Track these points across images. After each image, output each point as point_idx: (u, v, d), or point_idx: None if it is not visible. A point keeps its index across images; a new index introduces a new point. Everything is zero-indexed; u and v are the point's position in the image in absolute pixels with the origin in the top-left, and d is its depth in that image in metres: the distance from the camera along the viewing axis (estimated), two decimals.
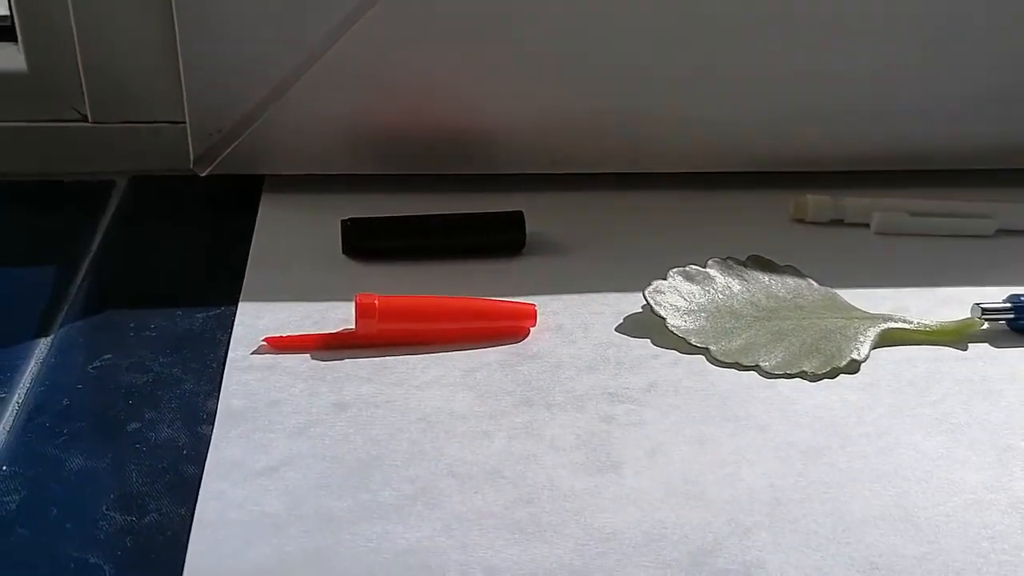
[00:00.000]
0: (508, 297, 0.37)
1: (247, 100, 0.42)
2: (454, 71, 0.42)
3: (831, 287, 0.38)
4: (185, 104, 0.42)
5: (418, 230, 0.40)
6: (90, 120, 0.45)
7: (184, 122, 0.43)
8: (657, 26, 0.42)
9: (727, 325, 0.36)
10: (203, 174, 0.43)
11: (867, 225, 0.44)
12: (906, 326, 0.36)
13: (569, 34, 0.42)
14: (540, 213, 0.42)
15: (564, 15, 0.42)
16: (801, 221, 0.44)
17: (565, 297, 0.38)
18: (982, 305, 0.36)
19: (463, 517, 0.28)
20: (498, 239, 0.40)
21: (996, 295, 0.37)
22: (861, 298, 0.38)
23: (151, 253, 0.41)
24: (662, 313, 0.36)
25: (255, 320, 0.36)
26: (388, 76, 0.42)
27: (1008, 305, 0.37)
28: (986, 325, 0.37)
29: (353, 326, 0.34)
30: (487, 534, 0.27)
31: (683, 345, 0.35)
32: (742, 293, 0.38)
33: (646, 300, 0.37)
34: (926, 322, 0.36)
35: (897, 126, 0.46)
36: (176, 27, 0.41)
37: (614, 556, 0.27)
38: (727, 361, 0.35)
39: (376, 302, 0.34)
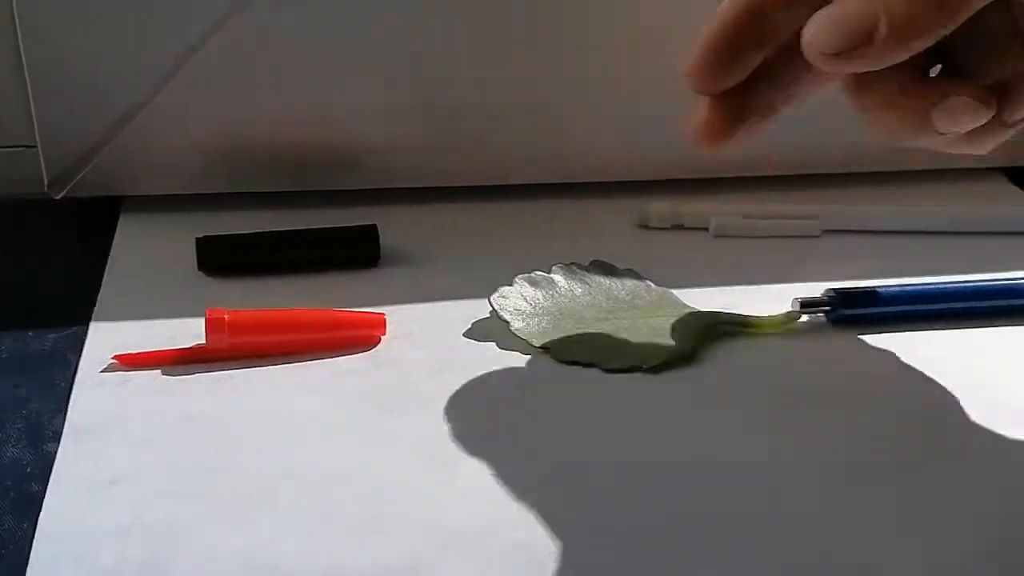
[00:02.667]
0: (363, 308, 0.38)
1: (100, 121, 0.43)
2: (304, 91, 0.44)
3: (670, 287, 0.41)
4: (36, 128, 0.42)
5: (272, 245, 0.41)
6: None
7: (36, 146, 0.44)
8: (504, 45, 0.45)
9: (569, 326, 0.38)
10: (58, 197, 0.44)
11: (707, 229, 0.47)
12: (731, 321, 0.39)
13: (415, 54, 0.44)
14: (395, 226, 0.44)
15: (413, 35, 0.44)
16: (645, 227, 0.47)
17: (417, 306, 0.40)
18: (801, 299, 0.39)
19: (302, 518, 0.29)
20: (352, 252, 0.42)
21: (820, 290, 0.40)
22: (695, 297, 0.41)
23: (4, 278, 0.41)
24: (506, 317, 0.38)
25: (107, 339, 0.36)
26: (240, 95, 0.43)
27: (825, 298, 0.40)
28: (806, 317, 0.40)
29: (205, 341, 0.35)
30: (325, 532, 0.28)
31: (526, 347, 0.37)
32: (584, 296, 0.40)
33: (491, 306, 0.38)
34: (751, 316, 0.39)
35: None
36: (22, 50, 0.41)
37: (454, 547, 0.28)
38: (568, 360, 0.37)
39: (226, 316, 0.35)
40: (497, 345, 0.37)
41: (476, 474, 0.31)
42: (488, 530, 0.29)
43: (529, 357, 0.37)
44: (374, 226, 0.42)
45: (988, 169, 0.53)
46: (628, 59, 0.46)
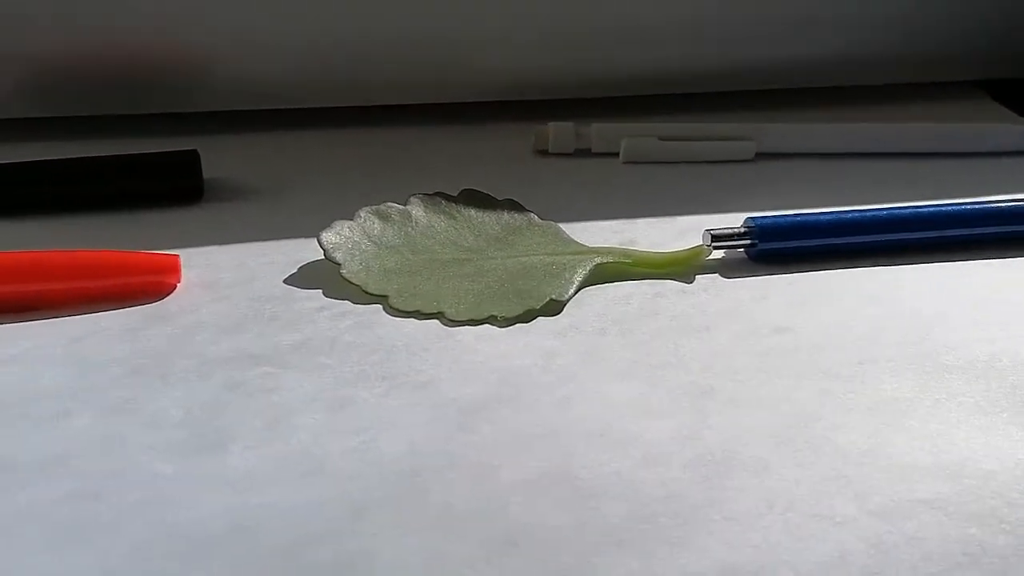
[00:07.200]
0: (178, 249, 0.31)
1: None
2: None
3: (563, 221, 0.33)
4: None
5: (67, 176, 0.33)
6: None
7: None
8: None
9: (418, 268, 0.31)
10: None
11: (617, 154, 0.39)
12: (623, 260, 0.31)
13: None
14: (229, 155, 0.36)
15: None
16: (544, 153, 0.39)
17: (239, 247, 0.32)
18: (712, 231, 0.32)
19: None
20: (169, 184, 0.34)
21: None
22: (589, 232, 0.33)
23: None
24: (338, 258, 0.30)
25: None
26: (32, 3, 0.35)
27: (743, 230, 0.32)
28: (722, 254, 0.32)
29: None
30: (19, 538, 0.21)
31: (359, 294, 0.30)
32: (446, 231, 0.32)
33: (320, 244, 0.31)
34: (647, 254, 0.31)
35: (649, 47, 0.41)
36: None
37: (174, 556, 0.21)
38: (407, 309, 0.29)
39: None
40: (323, 293, 0.30)
41: (244, 455, 0.23)
42: (239, 527, 0.21)
43: (360, 307, 0.29)
44: (195, 152, 0.34)
45: (964, 83, 0.45)
46: None
